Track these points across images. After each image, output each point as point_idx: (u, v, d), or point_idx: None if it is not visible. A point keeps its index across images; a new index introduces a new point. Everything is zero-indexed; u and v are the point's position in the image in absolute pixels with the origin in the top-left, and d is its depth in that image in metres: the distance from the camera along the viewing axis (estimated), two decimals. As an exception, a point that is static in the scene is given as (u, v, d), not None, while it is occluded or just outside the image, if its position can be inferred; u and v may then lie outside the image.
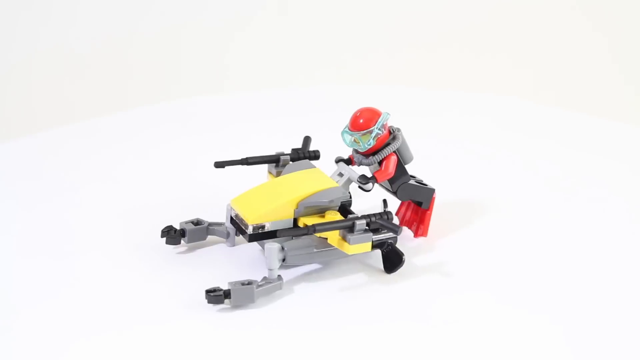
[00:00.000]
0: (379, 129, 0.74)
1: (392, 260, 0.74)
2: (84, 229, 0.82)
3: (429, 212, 0.80)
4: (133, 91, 1.53)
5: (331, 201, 0.74)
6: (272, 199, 0.74)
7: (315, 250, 0.73)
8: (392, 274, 0.74)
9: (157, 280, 0.74)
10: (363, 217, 0.72)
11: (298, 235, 0.71)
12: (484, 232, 0.83)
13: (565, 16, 1.69)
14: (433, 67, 1.62)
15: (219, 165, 0.81)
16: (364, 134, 0.74)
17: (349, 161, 0.78)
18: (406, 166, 0.78)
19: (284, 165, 0.81)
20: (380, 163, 0.76)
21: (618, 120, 1.20)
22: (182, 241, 0.78)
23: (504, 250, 0.80)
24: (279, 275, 0.71)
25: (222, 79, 1.59)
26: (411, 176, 0.80)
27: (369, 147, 0.75)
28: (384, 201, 0.75)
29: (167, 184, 0.93)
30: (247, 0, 1.70)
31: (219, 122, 1.14)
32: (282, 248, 0.72)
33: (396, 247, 0.73)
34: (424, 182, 0.81)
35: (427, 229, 0.80)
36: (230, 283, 0.70)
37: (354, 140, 0.75)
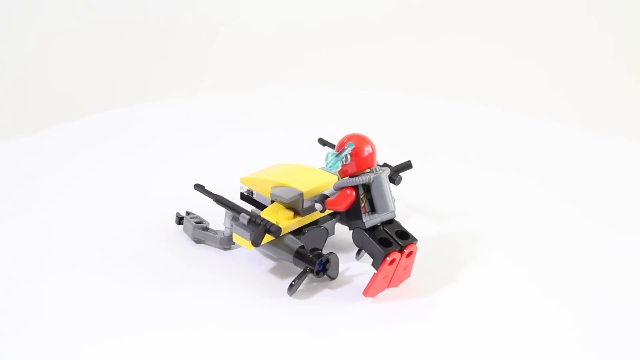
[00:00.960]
0: (338, 156, 0.74)
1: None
2: (75, 232, 0.86)
3: (376, 273, 0.74)
4: (124, 90, 1.53)
5: (275, 197, 0.78)
6: (268, 175, 0.81)
7: (247, 231, 0.75)
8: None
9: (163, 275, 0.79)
10: (251, 214, 0.74)
11: (207, 196, 0.78)
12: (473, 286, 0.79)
13: (566, 25, 1.68)
14: (433, 72, 1.61)
15: (322, 142, 0.90)
16: (329, 155, 0.75)
17: None
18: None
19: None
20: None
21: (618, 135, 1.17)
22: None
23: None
24: (229, 239, 0.80)
25: (221, 79, 1.59)
26: (398, 232, 0.75)
27: (330, 169, 0.75)
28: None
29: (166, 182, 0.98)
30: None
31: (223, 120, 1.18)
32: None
33: (302, 275, 0.76)
34: (405, 237, 0.75)
35: (369, 290, 0.75)
36: (189, 214, 0.83)
37: None
